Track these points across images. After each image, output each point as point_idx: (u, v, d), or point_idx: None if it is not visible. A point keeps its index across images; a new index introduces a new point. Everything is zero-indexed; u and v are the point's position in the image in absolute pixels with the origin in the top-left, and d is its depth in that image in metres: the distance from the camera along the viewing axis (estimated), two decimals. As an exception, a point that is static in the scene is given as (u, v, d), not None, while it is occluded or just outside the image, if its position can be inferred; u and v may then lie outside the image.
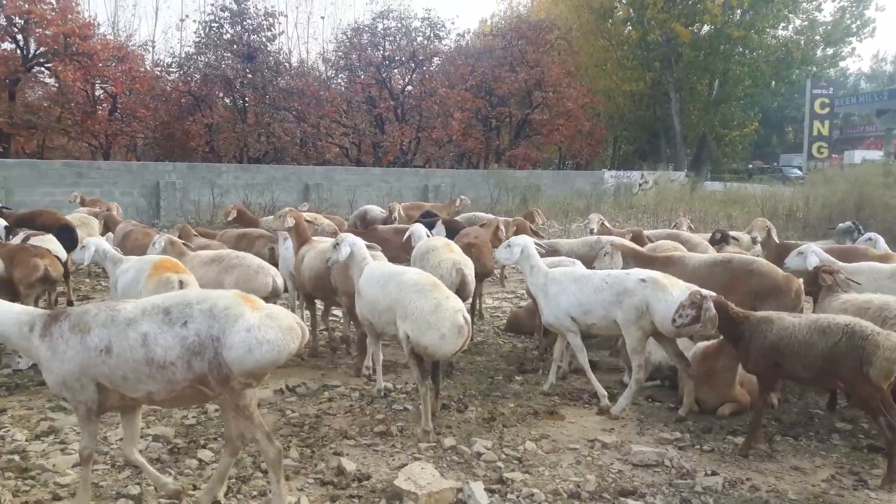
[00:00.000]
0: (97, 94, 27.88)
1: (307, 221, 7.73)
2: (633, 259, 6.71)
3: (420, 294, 4.98)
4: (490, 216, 11.87)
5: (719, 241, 8.60)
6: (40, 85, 27.51)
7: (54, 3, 24.94)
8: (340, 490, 4.14)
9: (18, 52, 24.87)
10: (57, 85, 26.23)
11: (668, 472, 4.44)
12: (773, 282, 6.08)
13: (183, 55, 30.83)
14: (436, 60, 35.73)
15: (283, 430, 5.03)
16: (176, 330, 3.45)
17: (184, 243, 7.15)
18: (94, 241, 6.46)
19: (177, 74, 30.09)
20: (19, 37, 24.66)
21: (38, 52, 25.31)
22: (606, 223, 9.29)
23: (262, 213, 16.12)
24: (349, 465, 4.36)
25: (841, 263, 6.28)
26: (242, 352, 3.39)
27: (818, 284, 5.63)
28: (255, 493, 4.07)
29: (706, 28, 42.88)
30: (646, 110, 46.06)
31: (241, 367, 3.42)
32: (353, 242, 5.82)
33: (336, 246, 5.82)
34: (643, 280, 5.38)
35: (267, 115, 28.25)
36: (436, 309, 4.85)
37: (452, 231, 9.12)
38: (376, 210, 12.90)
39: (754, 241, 8.05)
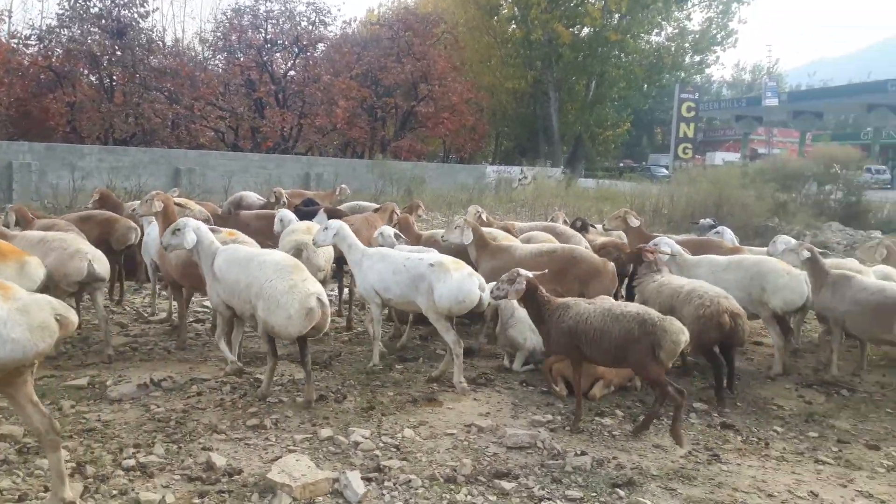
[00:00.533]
0: (-60, 65, 25.28)
1: (178, 206, 7.35)
2: (476, 241, 7.22)
3: (278, 274, 5.07)
4: (374, 205, 11.76)
5: (580, 228, 9.21)
6: None
7: None
8: (209, 485, 3.95)
9: None
10: None
11: (541, 453, 4.57)
12: (593, 266, 6.71)
13: (44, 28, 28.47)
14: (320, 46, 35.05)
15: (147, 426, 4.73)
16: None
17: (4, 224, 6.62)
18: None
19: (36, 48, 27.74)
20: None
21: None
22: (484, 216, 9.40)
23: (129, 197, 15.17)
24: (219, 460, 4.16)
25: (689, 256, 6.97)
26: None
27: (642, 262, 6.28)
28: (115, 492, 3.81)
29: (586, 30, 44.83)
30: (527, 108, 47.51)
31: None
32: (197, 227, 5.61)
33: (175, 231, 5.57)
34: (432, 265, 5.76)
35: (136, 95, 26.65)
36: (289, 290, 4.93)
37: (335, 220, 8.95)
38: (253, 196, 12.38)
39: (605, 228, 8.61)
